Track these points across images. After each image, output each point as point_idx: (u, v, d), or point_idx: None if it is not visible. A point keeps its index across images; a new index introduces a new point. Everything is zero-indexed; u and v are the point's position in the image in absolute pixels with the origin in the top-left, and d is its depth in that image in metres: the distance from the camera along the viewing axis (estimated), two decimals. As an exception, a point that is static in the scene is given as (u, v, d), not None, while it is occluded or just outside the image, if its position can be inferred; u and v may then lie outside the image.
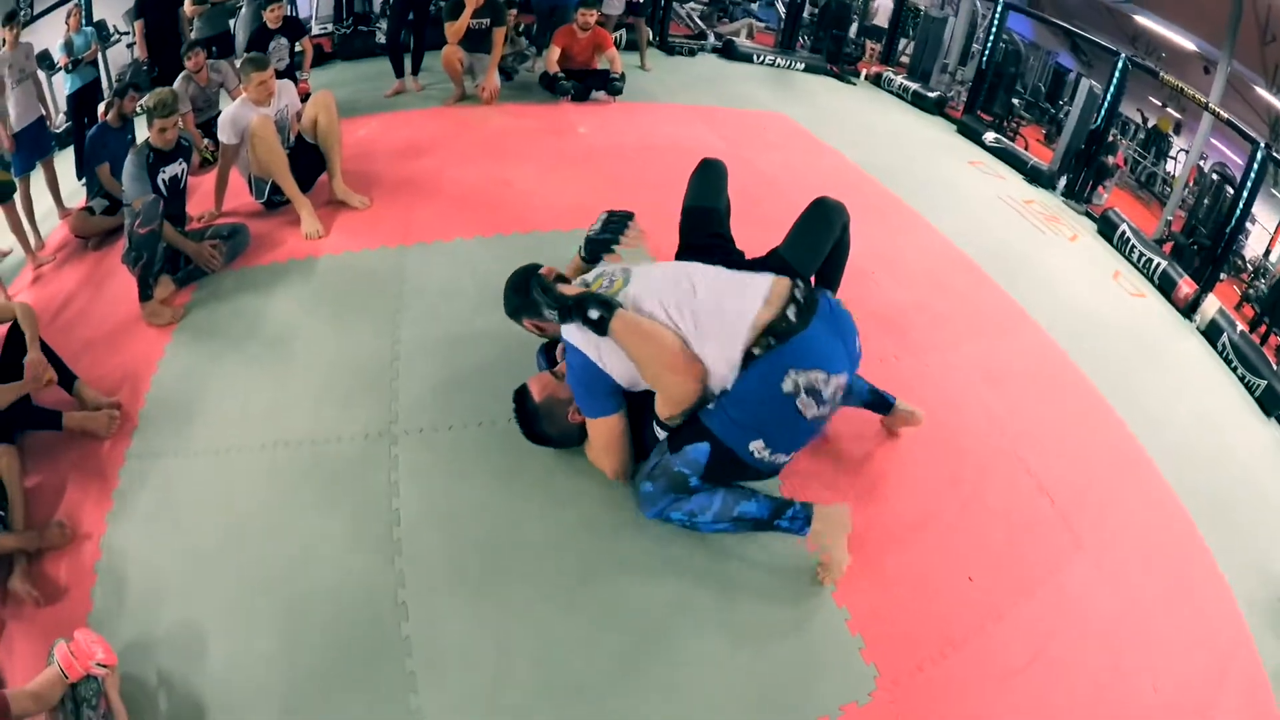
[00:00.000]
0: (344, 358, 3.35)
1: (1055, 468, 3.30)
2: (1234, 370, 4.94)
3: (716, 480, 2.51)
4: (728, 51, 8.89)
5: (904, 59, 9.94)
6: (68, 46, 5.41)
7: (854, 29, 10.31)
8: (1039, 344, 4.18)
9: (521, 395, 2.76)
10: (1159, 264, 5.73)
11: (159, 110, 3.72)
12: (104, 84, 5.92)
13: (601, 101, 6.42)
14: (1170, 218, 7.72)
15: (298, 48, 6.07)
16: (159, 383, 3.29)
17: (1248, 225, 7.34)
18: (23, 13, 5.28)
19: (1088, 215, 6.69)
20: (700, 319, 2.42)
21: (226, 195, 4.45)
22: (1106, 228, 6.28)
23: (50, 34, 5.50)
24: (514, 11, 6.93)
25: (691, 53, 8.67)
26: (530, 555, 2.58)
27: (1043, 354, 4.11)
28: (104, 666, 2.17)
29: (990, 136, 7.57)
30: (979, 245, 4.96)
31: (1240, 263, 8.48)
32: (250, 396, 3.20)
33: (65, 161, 5.44)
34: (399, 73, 6.41)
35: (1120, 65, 6.77)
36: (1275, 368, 4.83)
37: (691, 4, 10.41)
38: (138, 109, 4.67)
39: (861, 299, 3.83)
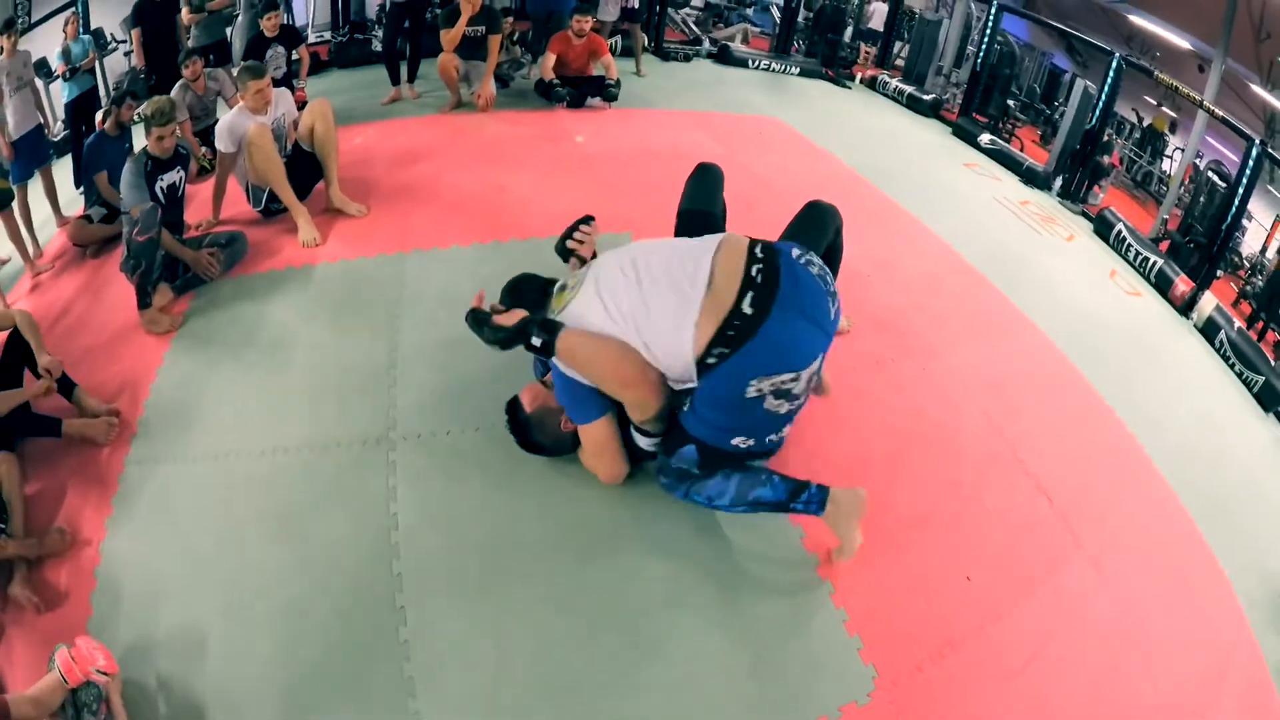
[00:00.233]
0: (342, 364, 3.36)
1: (1053, 468, 3.30)
2: (1232, 367, 4.95)
3: (720, 468, 2.48)
4: (723, 57, 8.89)
5: (899, 62, 9.96)
6: (65, 54, 5.42)
7: (849, 33, 10.34)
8: (1036, 345, 4.18)
9: (514, 406, 2.79)
10: (1155, 262, 5.74)
11: (157, 118, 3.73)
12: (101, 92, 5.93)
13: (597, 108, 6.43)
14: (1166, 216, 7.74)
15: (295, 56, 6.10)
16: (158, 390, 3.30)
17: (1244, 222, 7.36)
18: (20, 20, 5.29)
19: (1084, 215, 6.70)
20: (643, 327, 2.35)
21: (224, 203, 4.47)
22: (1103, 227, 6.29)
23: (48, 42, 5.51)
24: (509, 19, 6.97)
25: (687, 58, 8.69)
26: (527, 557, 2.58)
27: (1040, 354, 4.12)
28: (104, 674, 2.17)
29: (986, 138, 7.59)
30: (975, 247, 4.97)
31: (1237, 260, 8.50)
32: (248, 403, 3.22)
33: (63, 169, 5.45)
34: (395, 80, 6.43)
35: (1115, 65, 6.79)
36: (1273, 364, 4.84)
37: (686, 9, 10.44)
38: (135, 117, 4.69)
39: (858, 302, 3.86)
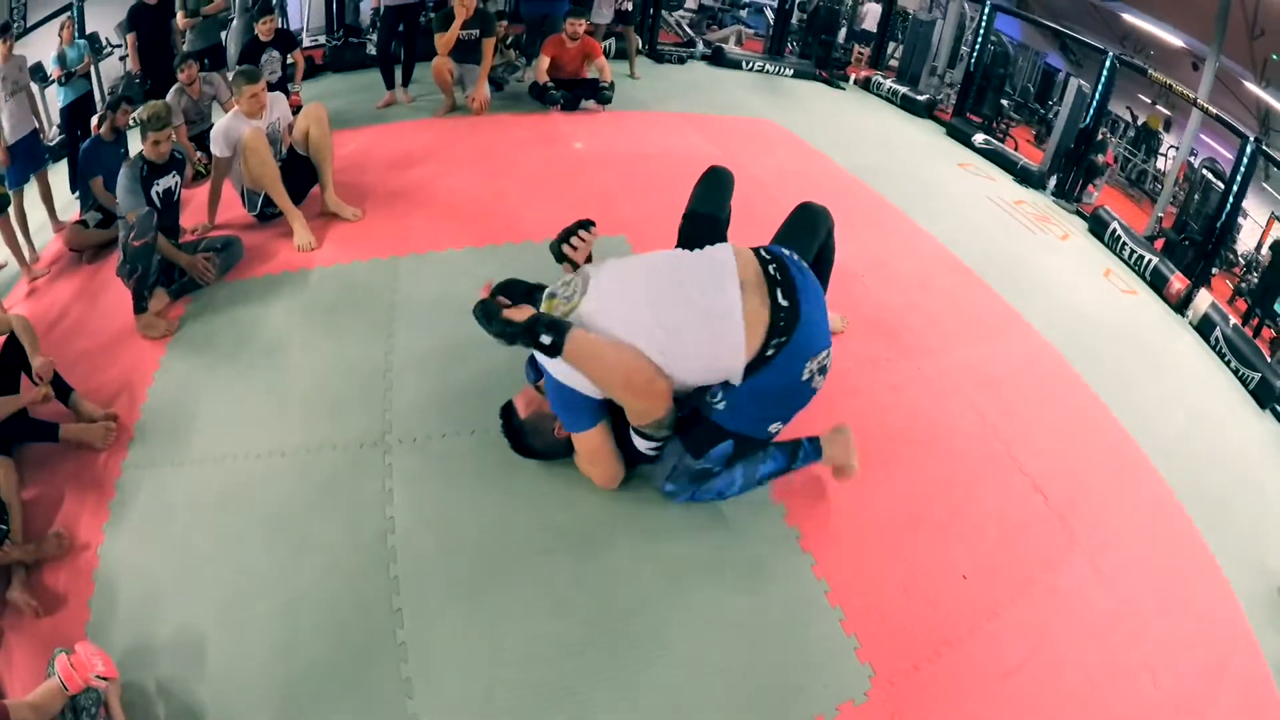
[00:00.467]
0: (337, 367, 3.37)
1: (1049, 466, 3.31)
2: (1228, 364, 4.97)
3: (736, 460, 2.61)
4: (717, 58, 8.91)
5: (893, 63, 10.00)
6: (61, 59, 5.41)
7: (842, 34, 10.37)
8: (1031, 344, 4.19)
9: (507, 412, 2.78)
10: (1150, 260, 5.75)
11: (153, 123, 3.74)
12: (97, 97, 5.92)
13: (591, 110, 6.44)
14: (1161, 214, 7.76)
15: (290, 60, 6.10)
16: (154, 394, 3.31)
17: (1239, 220, 7.38)
18: (15, 25, 5.29)
19: (1078, 214, 6.73)
20: (664, 339, 2.36)
21: (220, 208, 4.47)
22: (1097, 226, 6.31)
23: (43, 47, 5.50)
24: (503, 22, 6.97)
25: (681, 60, 8.70)
26: (523, 559, 2.59)
27: (1035, 353, 4.13)
28: (104, 679, 2.17)
29: (980, 138, 7.61)
30: (970, 247, 4.98)
31: (1232, 257, 8.51)
32: (245, 407, 3.22)
33: (59, 174, 5.44)
34: (389, 84, 6.43)
35: (1109, 63, 6.81)
36: (1269, 360, 4.85)
37: (680, 12, 10.46)
38: (131, 122, 4.69)
39: (853, 303, 3.87)
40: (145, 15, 5.76)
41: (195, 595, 2.54)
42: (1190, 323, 5.34)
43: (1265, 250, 8.16)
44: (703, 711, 2.26)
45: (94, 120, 5.35)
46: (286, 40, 6.10)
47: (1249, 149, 5.67)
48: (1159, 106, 10.94)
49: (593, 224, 2.78)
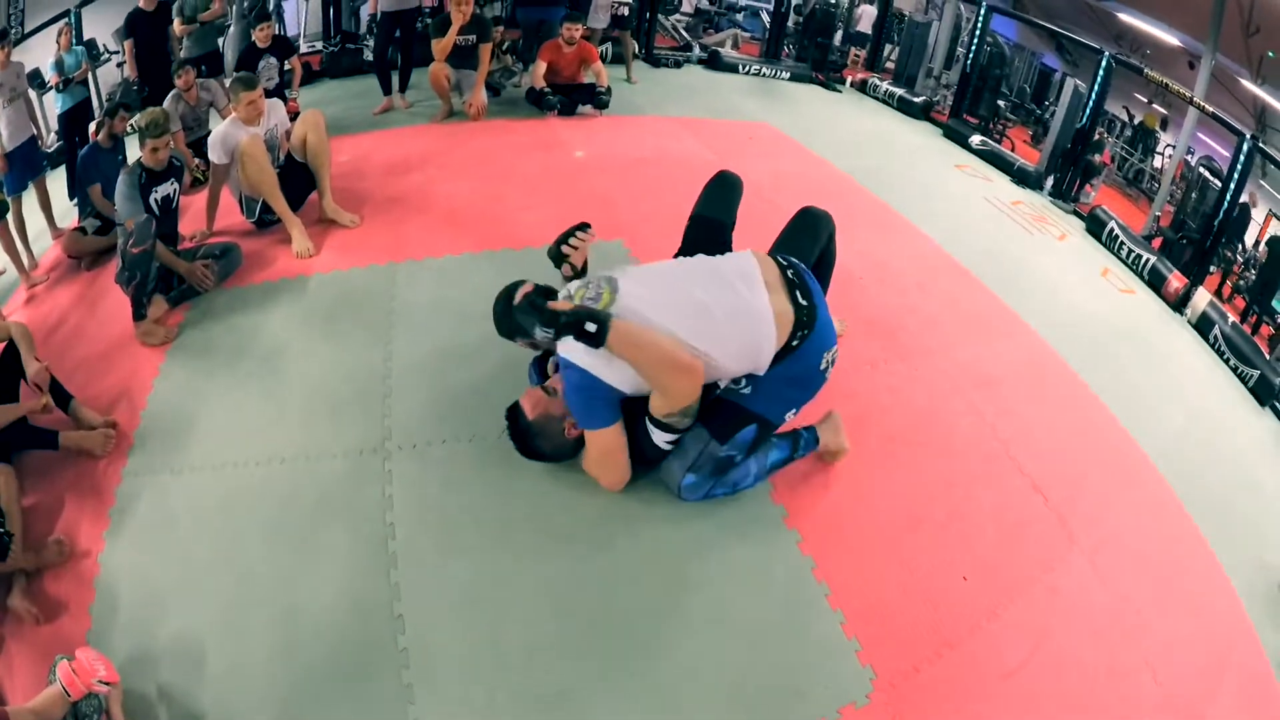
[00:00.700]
0: (337, 374, 3.37)
1: (1048, 466, 3.32)
2: (1226, 361, 4.97)
3: (754, 450, 2.73)
4: (713, 62, 8.91)
5: (889, 65, 10.01)
6: (58, 66, 5.41)
7: (838, 36, 10.36)
8: (1029, 344, 4.20)
9: (514, 413, 2.76)
10: (1148, 259, 5.76)
11: (151, 130, 3.74)
12: (95, 103, 5.93)
13: (588, 115, 6.45)
14: (1159, 213, 7.77)
15: (287, 66, 6.09)
16: (154, 401, 3.30)
17: (1250, 215, 7.37)
18: (13, 31, 5.30)
19: (1075, 214, 6.73)
20: (712, 331, 2.51)
21: (218, 215, 4.47)
22: (1095, 226, 6.31)
23: (41, 53, 5.51)
24: (500, 27, 6.98)
25: (677, 64, 8.71)
26: (523, 563, 2.59)
27: (1033, 353, 4.13)
28: (106, 685, 2.18)
29: (977, 139, 7.61)
30: (967, 248, 4.99)
31: (1230, 255, 8.52)
32: (244, 414, 3.22)
33: (57, 181, 5.44)
34: (387, 90, 6.43)
35: (1105, 63, 6.82)
36: (1268, 357, 4.86)
37: (676, 16, 10.48)
38: (129, 128, 4.69)
39: (851, 305, 3.88)
40: (143, 22, 5.76)
41: (196, 602, 2.54)
42: (1189, 321, 5.34)
43: (1262, 247, 8.16)
44: (704, 715, 2.25)
45: (92, 127, 5.36)
46: (284, 46, 6.10)
47: (1245, 146, 5.68)
48: (1155, 105, 10.95)
49: (589, 226, 2.87)
